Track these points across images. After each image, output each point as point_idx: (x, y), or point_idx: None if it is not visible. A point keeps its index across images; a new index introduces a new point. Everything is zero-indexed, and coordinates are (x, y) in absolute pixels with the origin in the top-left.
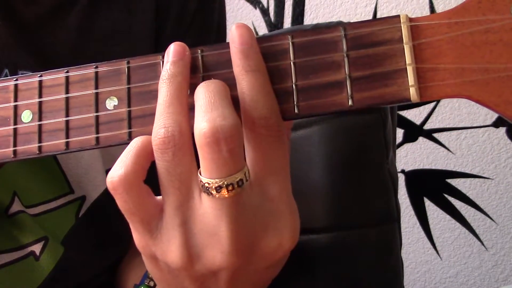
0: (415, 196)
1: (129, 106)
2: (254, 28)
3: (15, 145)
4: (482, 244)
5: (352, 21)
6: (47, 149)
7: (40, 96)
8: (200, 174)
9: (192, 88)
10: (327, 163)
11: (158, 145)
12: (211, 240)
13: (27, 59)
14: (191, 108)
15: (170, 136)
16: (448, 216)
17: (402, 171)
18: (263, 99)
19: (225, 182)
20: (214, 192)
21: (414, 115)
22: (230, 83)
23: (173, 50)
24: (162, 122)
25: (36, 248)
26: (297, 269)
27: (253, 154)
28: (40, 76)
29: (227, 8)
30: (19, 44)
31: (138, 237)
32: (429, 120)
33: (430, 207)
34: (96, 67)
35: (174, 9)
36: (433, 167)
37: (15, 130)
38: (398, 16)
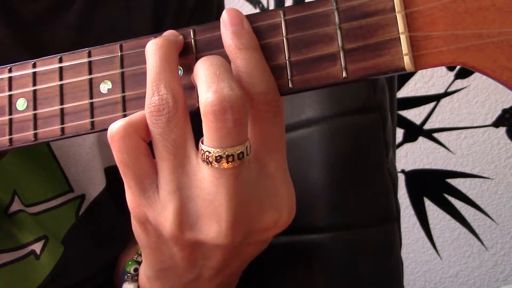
0: (415, 196)
1: (123, 89)
2: None
3: (10, 133)
4: (482, 244)
5: None
6: (43, 135)
7: (34, 84)
8: (202, 142)
9: (186, 68)
10: (326, 163)
11: (152, 112)
12: (208, 208)
13: (25, 57)
14: (187, 87)
15: (164, 103)
16: (448, 216)
17: (402, 171)
18: (260, 75)
19: (226, 153)
20: (213, 161)
21: (414, 115)
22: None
23: (167, 31)
24: (155, 89)
25: (37, 247)
26: (297, 269)
27: (252, 130)
28: (34, 64)
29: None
30: (17, 42)
31: (130, 196)
32: (429, 120)
33: (430, 207)
34: (89, 52)
35: (172, 6)
36: (433, 167)
37: (10, 119)
38: None
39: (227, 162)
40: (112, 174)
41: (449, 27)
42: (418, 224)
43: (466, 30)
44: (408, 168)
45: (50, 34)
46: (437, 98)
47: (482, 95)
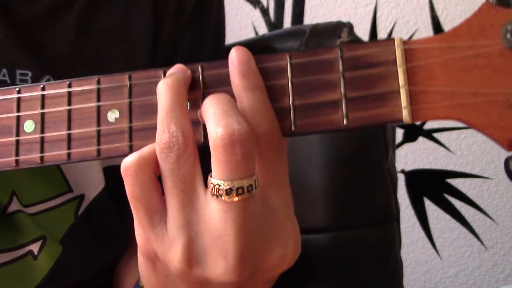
0: (415, 196)
1: (130, 119)
2: (254, 28)
3: (17, 154)
4: (482, 244)
5: (351, 21)
6: (49, 159)
7: (43, 107)
8: (211, 176)
9: (193, 103)
10: (326, 163)
11: (162, 149)
12: (215, 244)
13: (25, 59)
14: (193, 122)
15: (174, 140)
16: (448, 216)
17: (402, 171)
18: (264, 116)
19: (236, 185)
20: (223, 194)
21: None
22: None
23: (175, 67)
24: (166, 127)
25: (34, 247)
26: (297, 269)
27: (257, 167)
28: (43, 87)
29: (227, 8)
30: (17, 43)
31: (140, 231)
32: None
33: (430, 207)
34: (98, 80)
35: (171, 8)
36: (433, 167)
37: (17, 140)
38: (393, 39)
39: (237, 195)
40: (111, 174)
41: (447, 83)
42: (418, 224)
43: (462, 87)
44: (408, 168)
45: (50, 35)
46: None
47: None
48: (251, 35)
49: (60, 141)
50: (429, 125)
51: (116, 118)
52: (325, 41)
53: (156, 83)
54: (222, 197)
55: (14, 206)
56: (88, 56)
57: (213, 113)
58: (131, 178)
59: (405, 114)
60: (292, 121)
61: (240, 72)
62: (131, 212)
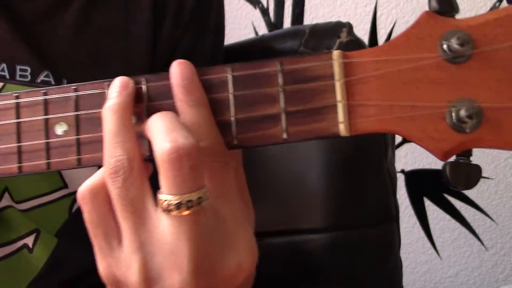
0: (414, 196)
1: (77, 132)
2: (254, 28)
3: None
4: (482, 244)
5: (351, 21)
6: (0, 172)
7: None
8: (159, 193)
9: (138, 117)
10: (326, 163)
11: (110, 174)
12: (170, 260)
13: (25, 54)
14: (138, 136)
15: (120, 164)
16: (448, 216)
17: (402, 171)
18: (207, 131)
19: (186, 199)
20: (174, 209)
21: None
22: (176, 111)
23: (117, 81)
24: (112, 152)
25: (29, 240)
26: (297, 269)
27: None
28: None
29: (227, 8)
30: (17, 39)
31: (101, 257)
32: None
33: (430, 207)
34: (45, 92)
35: (171, 8)
36: (433, 167)
37: None
38: (331, 52)
39: (187, 208)
40: None
41: (384, 97)
42: (418, 224)
43: (400, 100)
44: (408, 168)
45: (49, 32)
46: None
47: None
48: (251, 35)
49: (10, 154)
50: None
51: (64, 131)
52: (324, 41)
53: (102, 95)
54: (173, 212)
55: (4, 202)
56: (87, 54)
57: (158, 129)
58: (87, 206)
59: (342, 129)
60: (234, 135)
61: (183, 87)
62: None
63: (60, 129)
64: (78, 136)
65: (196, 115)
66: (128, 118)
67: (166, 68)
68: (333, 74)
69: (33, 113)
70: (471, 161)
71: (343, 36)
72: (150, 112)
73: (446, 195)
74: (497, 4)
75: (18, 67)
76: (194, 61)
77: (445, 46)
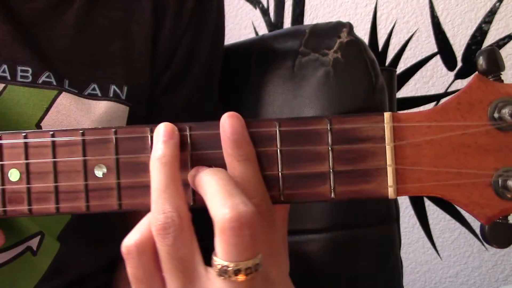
0: (415, 196)
1: (118, 176)
2: (254, 28)
3: (4, 204)
4: (482, 244)
5: (351, 21)
6: (37, 211)
7: (27, 156)
8: (216, 256)
9: (182, 164)
10: None
11: (158, 231)
12: None
13: (26, 55)
14: (183, 184)
15: (170, 221)
16: (448, 216)
17: None
18: (255, 187)
19: (245, 266)
20: (231, 275)
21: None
22: (220, 163)
23: (163, 129)
24: (160, 208)
25: (33, 243)
26: (297, 269)
27: None
28: (25, 136)
29: (227, 8)
30: (17, 40)
31: None
32: None
33: (430, 207)
34: (83, 133)
35: (171, 8)
36: None
37: (2, 188)
38: (382, 114)
39: (245, 275)
40: None
41: (433, 162)
42: (418, 224)
43: (448, 167)
44: None
45: (50, 32)
46: (437, 98)
47: None
48: (251, 35)
49: (47, 193)
50: None
51: (104, 174)
52: (324, 41)
53: (142, 140)
54: (230, 278)
55: None
56: (88, 54)
57: (215, 191)
58: (133, 261)
59: (391, 192)
60: (280, 190)
61: (232, 142)
62: (131, 211)
63: (99, 171)
64: (119, 181)
65: (245, 170)
66: (177, 171)
67: (167, 68)
68: (384, 137)
69: (71, 153)
70: (508, 220)
71: (343, 36)
72: (194, 161)
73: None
74: (497, 4)
75: (19, 68)
76: (193, 60)
77: (496, 115)
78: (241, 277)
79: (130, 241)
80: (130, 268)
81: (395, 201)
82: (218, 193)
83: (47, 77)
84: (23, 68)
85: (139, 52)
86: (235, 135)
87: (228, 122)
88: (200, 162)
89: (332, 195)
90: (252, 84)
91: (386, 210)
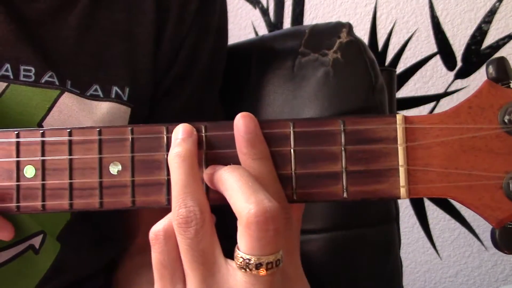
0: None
1: (133, 174)
2: (254, 28)
3: (18, 200)
4: (482, 244)
5: (351, 21)
6: (51, 207)
7: (43, 153)
8: (238, 249)
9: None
10: None
11: (180, 224)
12: None
13: (28, 55)
14: None
15: (192, 215)
16: (448, 216)
17: None
18: (271, 185)
19: (266, 260)
20: (253, 268)
21: (414, 115)
22: (234, 161)
23: (182, 129)
24: (182, 202)
25: (35, 241)
26: None
27: None
28: (43, 133)
29: (227, 8)
30: (21, 39)
31: None
32: None
33: (429, 207)
34: (100, 131)
35: (174, 10)
36: None
37: (18, 185)
38: (395, 116)
39: (266, 269)
40: None
41: (444, 163)
42: (417, 224)
43: (459, 168)
44: None
45: (53, 33)
46: (437, 98)
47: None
48: (251, 35)
49: (62, 190)
50: None
51: (118, 171)
52: (324, 41)
53: (158, 139)
54: (252, 271)
55: None
56: (91, 55)
57: (238, 187)
58: (159, 246)
59: (403, 192)
60: (293, 189)
61: (247, 141)
62: (130, 211)
63: (114, 169)
64: (133, 178)
65: (260, 168)
66: (196, 167)
67: (169, 70)
68: (396, 138)
69: (87, 150)
70: None
71: (343, 36)
72: (208, 160)
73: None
74: (497, 4)
75: (22, 68)
76: (196, 61)
77: (506, 119)
78: (262, 271)
79: (159, 226)
80: (156, 254)
81: (394, 201)
82: (241, 189)
83: (50, 77)
84: (26, 67)
85: (142, 53)
86: (249, 134)
87: (242, 122)
88: (214, 161)
89: (345, 194)
90: (252, 84)
91: (386, 210)
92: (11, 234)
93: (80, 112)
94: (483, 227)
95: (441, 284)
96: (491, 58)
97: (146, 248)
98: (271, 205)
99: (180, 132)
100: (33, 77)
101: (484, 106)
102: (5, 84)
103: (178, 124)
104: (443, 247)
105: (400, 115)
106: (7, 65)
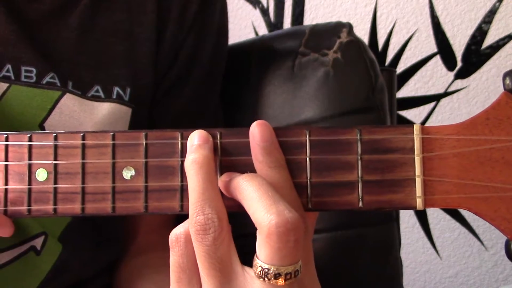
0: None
1: (146, 179)
2: (254, 28)
3: (29, 203)
4: (482, 244)
5: (351, 21)
6: (62, 211)
7: (56, 156)
8: (258, 258)
9: None
10: None
11: (198, 231)
12: None
13: (30, 55)
14: None
15: (210, 222)
16: (448, 216)
17: None
18: (289, 194)
19: (285, 271)
20: (272, 278)
21: (414, 115)
22: (250, 168)
23: (198, 135)
24: (200, 209)
25: (37, 243)
26: None
27: None
28: (55, 136)
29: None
30: (22, 40)
31: None
32: (429, 120)
33: None
34: (114, 136)
35: (175, 11)
36: None
37: (29, 188)
38: (412, 126)
39: (285, 280)
40: None
41: (460, 175)
42: (418, 224)
43: (474, 180)
44: None
45: (54, 33)
46: (437, 98)
47: (482, 95)
48: (251, 35)
49: (74, 194)
50: (429, 125)
51: (131, 176)
52: (324, 41)
53: (172, 144)
54: (270, 281)
55: None
56: (92, 56)
57: (259, 198)
58: (180, 248)
59: (419, 203)
60: (308, 198)
61: (263, 149)
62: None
63: (127, 173)
64: (147, 184)
65: (276, 177)
66: (213, 173)
67: (169, 70)
68: (413, 148)
69: (100, 155)
70: None
71: (343, 36)
72: (223, 167)
73: None
74: (497, 4)
75: (23, 68)
76: (196, 62)
77: None
78: (280, 282)
79: (180, 229)
80: (175, 257)
81: None
82: (261, 199)
83: (51, 78)
84: (27, 68)
85: (143, 54)
86: (265, 142)
87: (257, 130)
88: (229, 168)
89: (360, 204)
90: (252, 84)
91: None
92: (11, 230)
93: (81, 113)
94: (483, 227)
95: (441, 284)
96: (508, 70)
97: (147, 248)
98: (292, 216)
99: (196, 138)
100: (35, 78)
101: (501, 118)
102: (7, 85)
103: (193, 130)
104: (443, 247)
105: (417, 125)
106: (8, 66)
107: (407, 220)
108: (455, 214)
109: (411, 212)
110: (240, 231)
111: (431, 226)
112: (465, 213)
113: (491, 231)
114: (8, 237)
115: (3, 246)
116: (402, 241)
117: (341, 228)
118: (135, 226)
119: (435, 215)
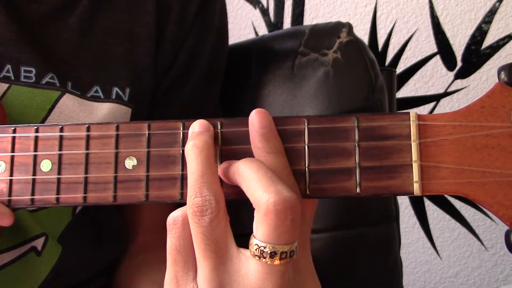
0: (439, 194)
1: (147, 168)
2: (254, 28)
3: (33, 193)
4: (482, 244)
5: (351, 21)
6: (65, 200)
7: (61, 148)
8: (254, 237)
9: None
10: None
11: (195, 212)
12: None
13: (29, 55)
14: None
15: (208, 204)
16: (448, 216)
17: None
18: (287, 180)
19: (281, 250)
20: (267, 257)
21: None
22: (249, 156)
23: (197, 123)
24: (198, 191)
25: (38, 243)
26: None
27: None
28: (61, 128)
29: (227, 8)
30: (22, 40)
31: (174, 285)
32: None
33: (430, 207)
34: (117, 127)
35: (174, 11)
36: None
37: (33, 178)
38: (408, 113)
39: (280, 259)
40: None
41: (457, 160)
42: (418, 224)
43: (471, 166)
44: None
45: (53, 34)
46: (437, 98)
47: (481, 95)
48: (251, 35)
49: (76, 184)
50: None
51: (133, 166)
52: (324, 41)
53: (174, 134)
54: (265, 260)
55: None
56: (91, 56)
57: (257, 178)
58: (177, 231)
59: (416, 188)
60: (306, 184)
61: (261, 135)
62: (131, 210)
63: (130, 163)
64: (148, 173)
65: (274, 162)
66: (212, 158)
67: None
68: (409, 134)
69: (104, 145)
70: None
71: (343, 36)
72: (223, 156)
73: (446, 195)
74: (497, 4)
75: (22, 69)
76: (196, 62)
77: None
78: (276, 261)
79: (178, 212)
80: (172, 239)
81: (394, 201)
82: (260, 180)
83: (51, 78)
84: (27, 68)
85: (142, 54)
86: (264, 129)
87: (256, 117)
88: (229, 157)
89: (358, 190)
90: (252, 84)
91: (386, 209)
92: (11, 219)
93: (81, 113)
94: (483, 227)
95: (441, 284)
96: (503, 65)
97: (147, 248)
98: (290, 195)
99: (197, 127)
100: (34, 78)
101: (496, 106)
102: (7, 85)
103: (195, 120)
104: (443, 247)
105: (413, 112)
106: (8, 66)
107: (407, 220)
108: (455, 214)
109: (411, 212)
110: (240, 231)
111: (431, 226)
112: (465, 213)
113: (491, 231)
114: (9, 238)
115: (4, 246)
116: (402, 241)
117: (341, 228)
118: (135, 226)
119: (435, 215)
